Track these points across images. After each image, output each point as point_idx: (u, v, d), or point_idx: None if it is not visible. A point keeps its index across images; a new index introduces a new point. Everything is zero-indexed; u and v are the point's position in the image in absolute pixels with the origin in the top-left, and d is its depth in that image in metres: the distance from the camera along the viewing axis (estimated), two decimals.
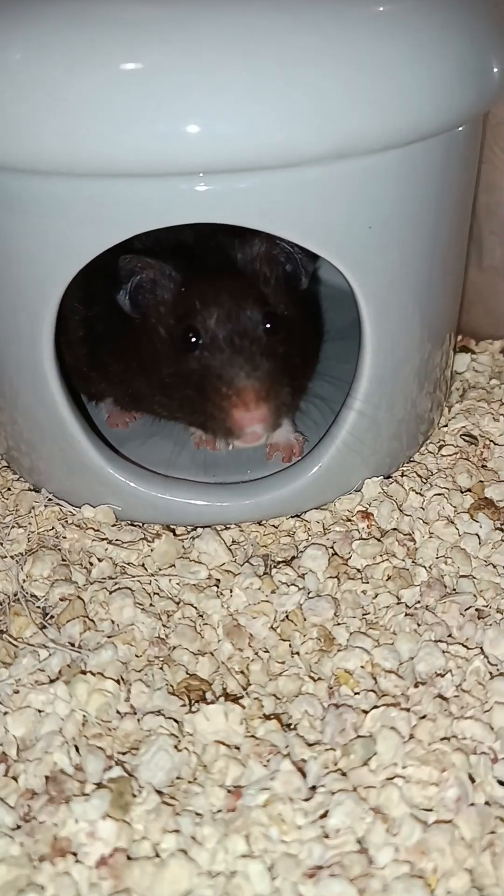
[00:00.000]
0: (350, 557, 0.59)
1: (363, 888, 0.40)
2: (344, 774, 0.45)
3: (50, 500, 0.64)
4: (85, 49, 0.46)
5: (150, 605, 0.56)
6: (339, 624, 0.54)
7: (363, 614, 0.55)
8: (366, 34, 0.49)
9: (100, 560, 0.59)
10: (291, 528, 0.63)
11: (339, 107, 0.48)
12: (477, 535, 0.60)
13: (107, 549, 0.60)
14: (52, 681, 0.50)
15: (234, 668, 0.52)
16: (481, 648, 0.52)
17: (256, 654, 0.53)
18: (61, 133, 0.47)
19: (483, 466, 0.67)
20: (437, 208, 0.58)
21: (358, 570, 0.58)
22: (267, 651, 0.53)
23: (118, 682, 0.50)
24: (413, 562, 0.59)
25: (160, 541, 0.60)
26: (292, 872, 0.41)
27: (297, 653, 0.53)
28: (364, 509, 0.63)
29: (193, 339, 0.57)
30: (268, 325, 0.58)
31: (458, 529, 0.61)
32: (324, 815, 0.43)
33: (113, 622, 0.54)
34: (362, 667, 0.51)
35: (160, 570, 0.59)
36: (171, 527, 0.63)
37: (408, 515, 0.62)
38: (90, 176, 0.49)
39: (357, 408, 0.60)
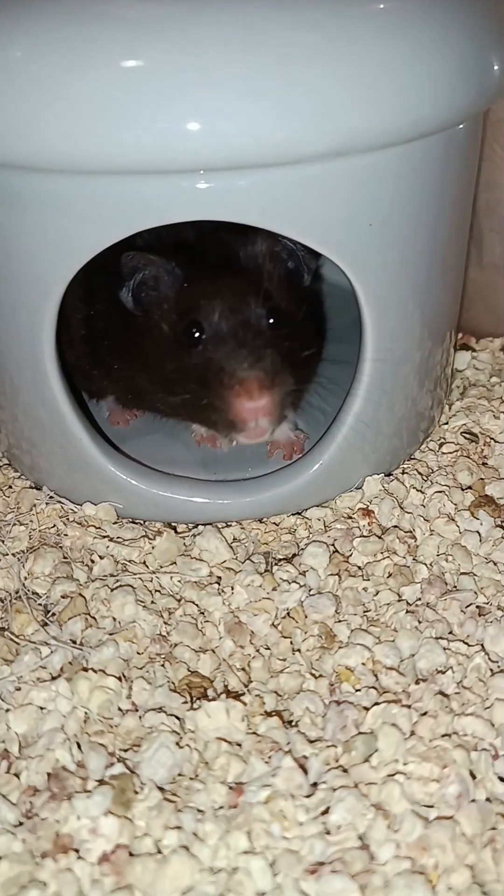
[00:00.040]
0: (351, 555, 0.59)
1: (364, 884, 0.40)
2: (345, 771, 0.45)
3: (51, 497, 0.64)
4: (85, 47, 0.47)
5: (152, 602, 0.56)
6: (340, 621, 0.54)
7: (364, 611, 0.55)
8: (366, 32, 0.49)
9: (101, 557, 0.59)
10: (292, 526, 0.63)
11: (339, 104, 0.48)
12: (477, 532, 0.60)
13: (108, 547, 0.60)
14: (53, 678, 0.50)
15: (236, 665, 0.52)
16: (482, 645, 0.52)
17: (258, 651, 0.53)
18: (62, 130, 0.47)
19: (483, 464, 0.68)
20: (438, 206, 0.58)
21: (359, 568, 0.58)
22: (268, 648, 0.53)
23: (120, 679, 0.50)
24: (414, 559, 0.59)
25: (161, 538, 0.60)
26: (294, 869, 0.41)
27: (299, 650, 0.53)
28: (365, 507, 0.63)
29: (196, 334, 0.57)
30: (271, 320, 0.58)
31: (458, 527, 0.61)
32: (325, 812, 0.43)
33: (114, 619, 0.55)
34: (363, 664, 0.51)
35: (161, 567, 0.59)
36: (173, 524, 0.63)
37: (408, 513, 0.62)
38: (91, 173, 0.49)
39: (358, 405, 0.60)
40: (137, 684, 0.50)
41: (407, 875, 0.40)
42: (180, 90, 0.46)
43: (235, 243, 0.60)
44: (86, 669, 0.51)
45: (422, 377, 0.64)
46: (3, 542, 0.61)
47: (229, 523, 0.63)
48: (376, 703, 0.48)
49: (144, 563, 0.59)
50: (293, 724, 0.48)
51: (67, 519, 0.63)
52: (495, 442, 0.69)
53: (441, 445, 0.69)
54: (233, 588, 0.56)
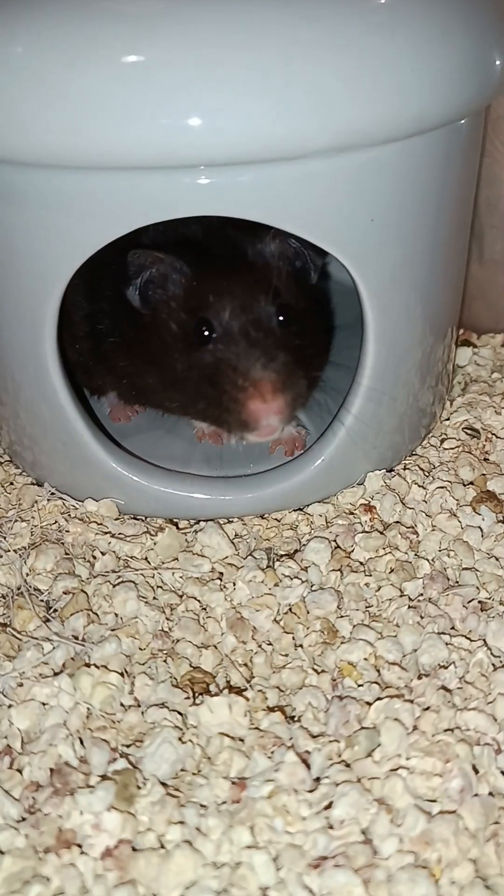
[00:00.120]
0: (353, 550, 0.59)
1: (367, 879, 0.40)
2: (348, 766, 0.45)
3: (53, 494, 0.64)
4: (87, 43, 0.47)
5: (154, 598, 0.56)
6: (342, 616, 0.54)
7: (366, 607, 0.55)
8: (367, 27, 0.49)
9: (103, 554, 0.59)
10: (294, 522, 0.63)
11: (341, 100, 0.48)
12: (479, 527, 0.60)
13: (110, 543, 0.60)
14: (56, 674, 0.50)
15: (238, 660, 0.52)
16: (484, 640, 0.52)
17: (260, 646, 0.53)
18: (63, 126, 0.47)
19: (485, 459, 0.68)
20: (439, 201, 0.58)
21: (361, 563, 0.58)
22: (270, 644, 0.53)
23: (122, 674, 0.50)
24: (416, 554, 0.59)
25: (163, 534, 0.60)
26: (297, 863, 0.41)
27: (301, 645, 0.53)
28: (367, 502, 0.63)
29: (206, 333, 0.57)
30: (281, 318, 0.57)
31: (460, 522, 0.61)
32: (328, 807, 0.43)
33: (116, 615, 0.55)
34: (365, 659, 0.51)
35: (163, 563, 0.59)
36: (174, 520, 0.63)
37: (410, 508, 0.62)
38: (92, 169, 0.49)
39: (359, 401, 0.60)
40: (140, 680, 0.50)
41: (410, 869, 0.41)
42: (182, 86, 0.46)
43: (243, 241, 0.60)
44: (88, 665, 0.51)
45: (423, 373, 0.64)
46: (4, 538, 0.61)
47: (231, 519, 0.63)
48: (379, 699, 0.48)
49: (146, 559, 0.59)
50: (296, 719, 0.48)
51: (69, 515, 0.63)
52: (497, 438, 0.69)
53: (443, 441, 0.69)
54: (235, 584, 0.57)
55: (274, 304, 0.57)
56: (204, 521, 0.62)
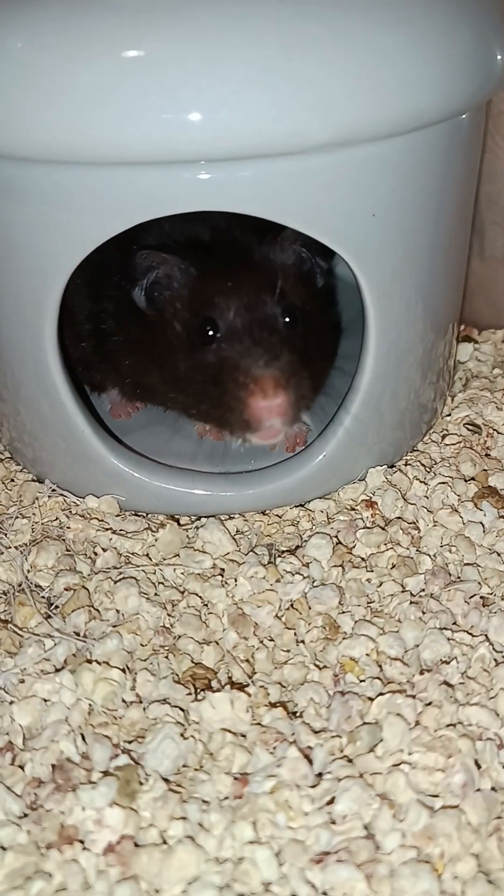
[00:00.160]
0: (354, 546, 0.59)
1: (370, 874, 0.40)
2: (350, 761, 0.45)
3: (54, 490, 0.64)
4: (87, 37, 0.46)
5: (155, 594, 0.56)
6: (343, 612, 0.54)
7: (368, 602, 0.55)
8: (368, 22, 0.49)
9: (104, 550, 0.59)
10: (295, 518, 0.63)
11: (341, 95, 0.48)
12: (481, 523, 0.60)
13: (111, 539, 0.60)
14: (57, 670, 0.50)
15: (240, 656, 0.52)
16: (486, 636, 0.52)
17: (261, 642, 0.53)
18: (63, 122, 0.47)
19: (487, 455, 0.68)
20: (440, 196, 0.58)
21: (362, 559, 0.58)
22: (272, 639, 0.53)
23: (124, 671, 0.50)
24: (417, 550, 0.59)
25: (164, 530, 0.60)
26: (299, 858, 0.41)
27: (302, 641, 0.53)
28: (368, 498, 0.63)
29: (211, 332, 0.57)
30: (287, 319, 0.57)
31: (462, 518, 0.61)
32: (330, 802, 0.43)
33: (118, 611, 0.55)
34: (367, 654, 0.51)
35: (165, 559, 0.59)
36: (176, 516, 0.63)
37: (412, 504, 0.62)
38: (93, 164, 0.48)
39: (361, 398, 0.60)
40: (141, 676, 0.50)
41: (412, 864, 0.41)
42: (182, 80, 0.46)
43: (249, 242, 0.60)
44: (90, 661, 0.51)
45: (424, 369, 0.64)
46: (5, 535, 0.61)
47: (232, 515, 0.63)
48: (381, 694, 0.48)
49: (147, 555, 0.59)
50: (298, 714, 0.48)
51: (70, 512, 0.63)
52: (498, 433, 0.69)
53: (444, 437, 0.69)
54: (236, 580, 0.56)
55: (279, 304, 0.57)
56: (205, 517, 0.62)
